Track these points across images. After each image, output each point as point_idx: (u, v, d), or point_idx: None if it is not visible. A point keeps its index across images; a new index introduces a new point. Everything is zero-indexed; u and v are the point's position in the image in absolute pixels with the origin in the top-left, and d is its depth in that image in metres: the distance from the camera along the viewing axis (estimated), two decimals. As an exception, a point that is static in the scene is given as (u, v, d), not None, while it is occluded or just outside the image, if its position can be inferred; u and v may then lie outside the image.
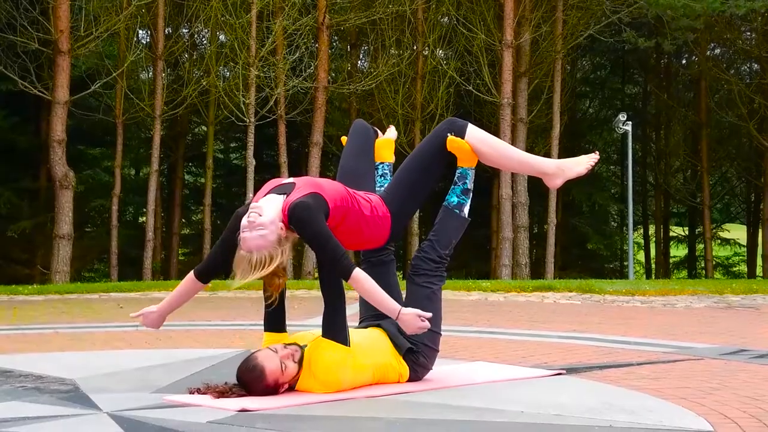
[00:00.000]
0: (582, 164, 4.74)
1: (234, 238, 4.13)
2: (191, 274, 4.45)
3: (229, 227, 4.25)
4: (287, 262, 4.16)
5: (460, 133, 4.62)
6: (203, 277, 4.42)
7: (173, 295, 4.52)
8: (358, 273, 4.14)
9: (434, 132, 4.70)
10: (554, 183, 4.75)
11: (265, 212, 4.09)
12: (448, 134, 4.61)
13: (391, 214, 4.48)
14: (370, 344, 4.38)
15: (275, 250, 4.05)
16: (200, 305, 10.76)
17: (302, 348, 4.21)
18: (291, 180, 4.33)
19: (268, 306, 4.30)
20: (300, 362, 4.16)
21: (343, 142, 4.96)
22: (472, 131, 4.65)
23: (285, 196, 4.18)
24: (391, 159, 5.05)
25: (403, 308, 4.20)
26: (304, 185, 4.23)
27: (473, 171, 4.72)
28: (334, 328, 4.21)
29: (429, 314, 4.19)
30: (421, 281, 4.62)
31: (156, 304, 4.54)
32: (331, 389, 4.17)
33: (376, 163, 4.96)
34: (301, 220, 4.07)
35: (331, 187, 4.28)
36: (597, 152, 4.87)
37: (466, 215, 4.73)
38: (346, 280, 4.15)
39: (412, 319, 4.17)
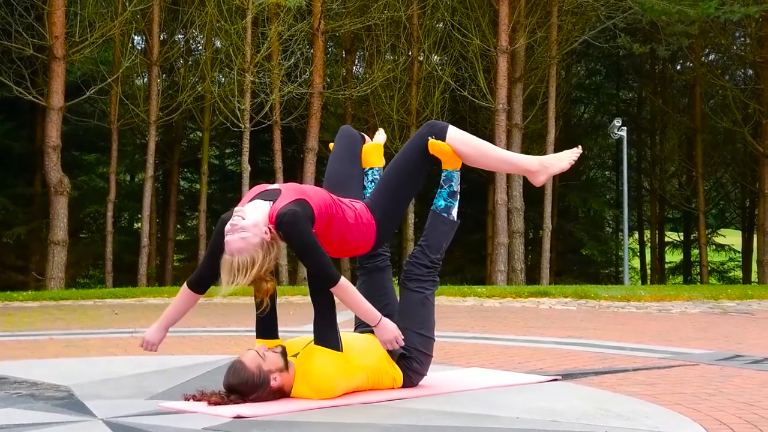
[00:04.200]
0: (565, 160, 4.71)
1: (222, 244, 4.13)
2: (185, 285, 4.43)
3: (216, 233, 4.25)
4: (273, 266, 4.14)
5: (441, 136, 4.59)
6: (196, 287, 4.38)
7: (169, 308, 4.50)
8: (344, 282, 4.15)
9: (415, 136, 4.67)
10: (538, 180, 4.71)
11: (248, 216, 4.08)
12: (429, 138, 4.60)
13: (375, 221, 4.46)
14: (363, 349, 4.38)
15: (257, 254, 4.03)
16: (195, 312, 10.71)
17: (283, 345, 4.23)
18: (276, 186, 4.32)
19: (260, 312, 4.30)
20: (283, 353, 4.16)
21: (332, 148, 4.95)
22: (453, 133, 4.62)
23: (271, 202, 4.17)
24: (381, 164, 5.03)
25: (385, 319, 4.23)
26: (289, 192, 4.22)
27: (458, 173, 4.70)
28: (326, 335, 4.21)
29: (401, 344, 4.30)
30: (413, 286, 4.62)
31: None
32: (325, 396, 4.17)
33: (366, 169, 4.94)
34: (289, 228, 4.06)
35: (315, 194, 4.27)
36: (579, 146, 4.84)
37: (455, 218, 4.72)
38: (330, 289, 4.15)
39: (389, 331, 4.24)
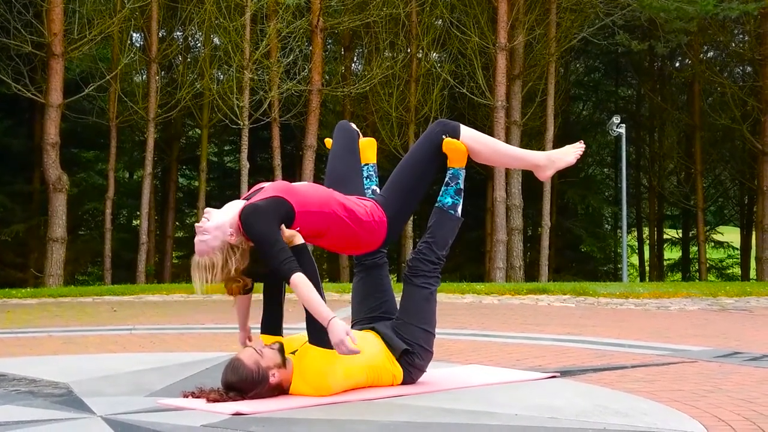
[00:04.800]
0: (570, 154, 4.80)
1: None
2: None
3: None
4: (244, 266, 4.14)
5: (454, 134, 4.65)
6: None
7: (237, 313, 4.53)
8: (298, 278, 4.05)
9: (426, 135, 4.70)
10: (545, 175, 4.81)
11: (213, 217, 4.13)
12: (444, 136, 4.62)
13: (387, 218, 4.48)
14: (361, 346, 4.37)
15: (215, 256, 4.08)
16: (194, 308, 10.74)
17: (281, 342, 4.23)
18: (264, 185, 4.35)
19: (265, 303, 4.33)
20: (281, 350, 4.16)
21: (328, 144, 4.97)
22: (465, 131, 4.69)
23: (247, 201, 4.21)
24: (374, 160, 5.07)
25: (337, 319, 4.11)
26: (270, 190, 4.24)
27: (464, 171, 4.75)
28: (319, 333, 4.20)
29: (357, 350, 4.07)
30: (419, 282, 4.63)
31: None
32: (324, 393, 4.17)
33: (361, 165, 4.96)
34: (247, 221, 4.08)
35: (311, 193, 4.28)
36: (582, 141, 4.91)
37: (460, 215, 4.76)
38: (287, 284, 4.14)
39: (338, 333, 4.03)
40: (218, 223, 4.11)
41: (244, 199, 4.27)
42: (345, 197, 4.40)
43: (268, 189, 4.25)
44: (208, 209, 4.19)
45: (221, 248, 4.09)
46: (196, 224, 4.14)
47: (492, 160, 4.90)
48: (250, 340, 4.50)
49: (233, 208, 4.17)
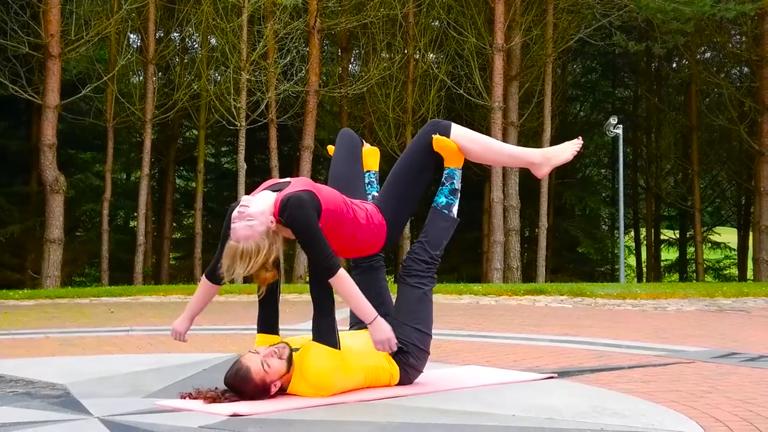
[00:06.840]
0: (567, 151, 4.77)
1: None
2: (203, 276, 4.51)
3: (225, 222, 4.28)
4: (277, 256, 4.15)
5: (445, 133, 4.65)
6: (212, 278, 4.45)
7: (192, 299, 4.59)
8: (342, 273, 4.14)
9: (419, 136, 4.71)
10: (541, 172, 4.77)
11: (254, 204, 4.12)
12: (434, 135, 4.62)
13: (386, 221, 4.49)
14: (361, 347, 4.38)
15: (262, 242, 4.06)
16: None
17: (290, 346, 4.22)
18: (287, 179, 4.36)
19: (261, 301, 4.32)
20: (289, 360, 4.16)
21: (330, 151, 4.99)
22: (457, 130, 4.68)
23: (279, 192, 4.20)
24: (377, 168, 5.11)
25: (381, 318, 4.21)
26: (299, 183, 4.26)
27: (460, 171, 4.75)
28: (324, 332, 4.21)
29: (393, 349, 4.25)
30: (412, 282, 4.63)
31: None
32: (322, 393, 4.17)
33: (363, 172, 4.98)
34: (292, 212, 4.08)
35: (327, 192, 4.30)
36: (580, 138, 4.88)
37: (455, 215, 4.75)
38: (329, 279, 4.14)
39: (382, 332, 4.19)
40: (262, 209, 4.10)
41: (266, 190, 4.26)
42: (350, 200, 4.41)
43: (297, 183, 4.26)
44: (247, 197, 4.17)
45: (267, 233, 4.08)
46: (238, 209, 4.09)
47: (486, 158, 4.85)
48: (181, 338, 4.55)
49: (268, 198, 4.17)
